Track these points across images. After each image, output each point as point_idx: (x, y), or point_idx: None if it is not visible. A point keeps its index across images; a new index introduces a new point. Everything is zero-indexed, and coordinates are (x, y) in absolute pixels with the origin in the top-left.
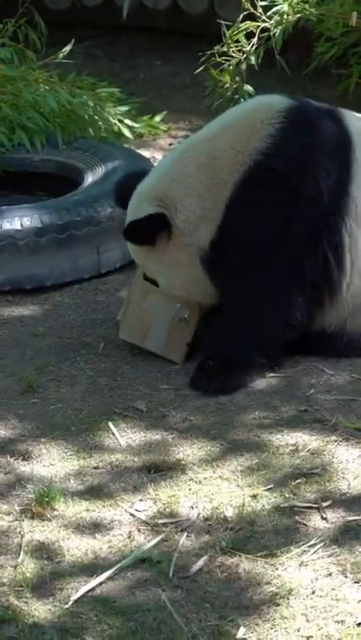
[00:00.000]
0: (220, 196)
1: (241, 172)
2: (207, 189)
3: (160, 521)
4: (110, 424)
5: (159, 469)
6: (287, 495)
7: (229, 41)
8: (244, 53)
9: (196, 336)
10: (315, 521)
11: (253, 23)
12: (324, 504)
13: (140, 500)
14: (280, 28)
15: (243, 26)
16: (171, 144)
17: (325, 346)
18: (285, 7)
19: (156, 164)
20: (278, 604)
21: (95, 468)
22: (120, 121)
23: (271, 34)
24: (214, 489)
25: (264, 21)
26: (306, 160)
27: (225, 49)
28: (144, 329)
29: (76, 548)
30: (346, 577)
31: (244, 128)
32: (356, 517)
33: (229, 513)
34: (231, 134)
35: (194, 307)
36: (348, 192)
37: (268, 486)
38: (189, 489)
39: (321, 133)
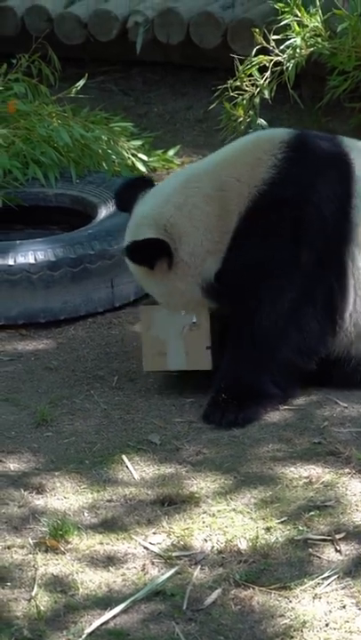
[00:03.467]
0: (227, 228)
1: (247, 202)
2: (215, 222)
3: (174, 554)
4: (124, 457)
5: (173, 502)
6: (301, 528)
7: (242, 75)
8: (257, 87)
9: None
10: (328, 553)
11: (266, 57)
12: (338, 536)
13: (154, 533)
14: (293, 61)
15: (256, 60)
16: None
17: (333, 373)
18: (298, 41)
19: (156, 187)
20: (292, 637)
21: (109, 501)
22: (134, 155)
23: (284, 68)
24: (228, 522)
25: (277, 55)
26: (309, 189)
27: (238, 83)
28: (162, 353)
29: (90, 581)
30: (360, 609)
31: (249, 160)
32: None
33: (243, 546)
34: (236, 167)
35: (201, 308)
36: (350, 219)
37: (282, 519)
38: (203, 522)
39: (323, 163)
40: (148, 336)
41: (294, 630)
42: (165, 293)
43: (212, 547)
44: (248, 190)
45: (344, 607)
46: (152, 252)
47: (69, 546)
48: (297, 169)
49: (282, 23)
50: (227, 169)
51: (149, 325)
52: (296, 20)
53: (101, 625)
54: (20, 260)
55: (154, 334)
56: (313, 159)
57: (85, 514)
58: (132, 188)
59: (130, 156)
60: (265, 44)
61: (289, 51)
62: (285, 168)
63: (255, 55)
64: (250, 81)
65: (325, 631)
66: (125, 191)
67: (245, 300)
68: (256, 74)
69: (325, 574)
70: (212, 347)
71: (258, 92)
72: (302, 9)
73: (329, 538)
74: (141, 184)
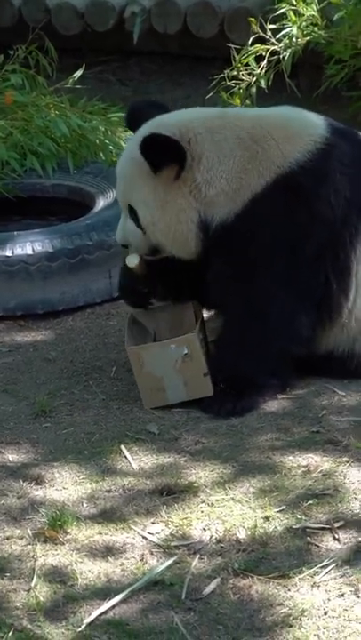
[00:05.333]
0: (248, 184)
1: (276, 174)
2: (239, 169)
3: (173, 543)
4: (123, 447)
5: (172, 492)
6: (299, 516)
7: (239, 64)
8: (254, 77)
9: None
10: (327, 542)
11: (263, 46)
12: (337, 525)
13: (153, 523)
14: (289, 50)
15: (252, 49)
16: None
17: (336, 368)
18: (294, 30)
19: (183, 109)
20: (291, 625)
21: (108, 491)
22: None
23: (281, 57)
24: (226, 511)
25: (273, 44)
26: (331, 186)
27: (235, 72)
28: (160, 389)
29: (89, 571)
30: (358, 597)
31: (291, 133)
32: None
33: (242, 535)
34: (278, 130)
35: (190, 340)
36: None
37: (281, 508)
38: (202, 511)
39: (353, 167)
40: (143, 375)
41: (293, 619)
42: (157, 206)
43: (211, 536)
44: (280, 160)
45: (343, 595)
46: (167, 152)
47: (68, 536)
48: (327, 165)
49: (278, 12)
50: (270, 126)
51: (141, 365)
52: (292, 9)
53: (100, 615)
54: (18, 251)
55: (147, 372)
56: (344, 160)
57: (84, 504)
58: (146, 109)
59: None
60: (262, 34)
61: (285, 40)
62: (317, 159)
63: (252, 44)
64: (246, 70)
65: (324, 619)
66: (139, 110)
67: (242, 282)
68: (253, 63)
69: (324, 563)
70: (207, 373)
71: (254, 82)
72: None
73: (327, 526)
74: (157, 109)
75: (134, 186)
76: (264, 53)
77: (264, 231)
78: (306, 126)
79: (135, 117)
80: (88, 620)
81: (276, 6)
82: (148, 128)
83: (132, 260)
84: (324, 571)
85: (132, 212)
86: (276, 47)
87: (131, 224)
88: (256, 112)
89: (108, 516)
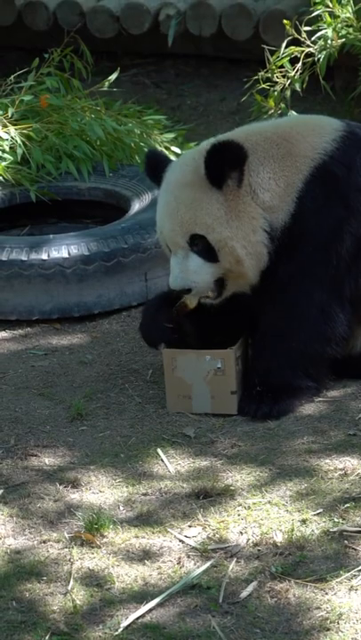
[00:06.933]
0: (293, 183)
1: (311, 167)
2: (281, 167)
3: (209, 547)
4: (159, 450)
5: (208, 495)
6: (336, 520)
7: (274, 67)
8: (288, 79)
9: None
10: None
11: (298, 48)
12: None
13: (190, 527)
14: (324, 52)
15: (287, 51)
16: None
17: None
18: (329, 32)
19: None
20: (328, 629)
21: (144, 494)
22: (167, 148)
23: (316, 59)
24: (263, 514)
25: (308, 46)
26: (359, 172)
27: (269, 75)
28: (187, 396)
29: (126, 574)
30: None
31: (314, 127)
32: None
33: (279, 538)
34: (302, 127)
35: (227, 356)
36: None
37: (318, 511)
38: (238, 514)
39: None
40: (172, 378)
41: (330, 622)
42: (231, 217)
43: (248, 539)
44: (313, 155)
45: None
46: (232, 155)
47: (105, 540)
48: (353, 151)
49: (313, 14)
50: (291, 124)
51: (173, 368)
52: (328, 11)
53: (137, 619)
54: (54, 254)
55: (178, 377)
56: None
57: (121, 507)
58: (162, 157)
59: (163, 149)
60: (296, 36)
61: (320, 42)
62: (343, 146)
63: (287, 46)
64: (281, 73)
65: None
66: (155, 158)
67: (285, 282)
68: (287, 65)
69: None
70: (236, 393)
71: (289, 84)
72: (334, 0)
73: None
74: (169, 158)
75: (199, 208)
76: (299, 55)
77: (310, 228)
78: (322, 120)
79: (153, 165)
80: (125, 623)
81: (311, 8)
82: (192, 155)
83: (193, 301)
84: None
85: (197, 243)
86: (310, 49)
87: (194, 260)
88: (272, 121)
89: (144, 520)
